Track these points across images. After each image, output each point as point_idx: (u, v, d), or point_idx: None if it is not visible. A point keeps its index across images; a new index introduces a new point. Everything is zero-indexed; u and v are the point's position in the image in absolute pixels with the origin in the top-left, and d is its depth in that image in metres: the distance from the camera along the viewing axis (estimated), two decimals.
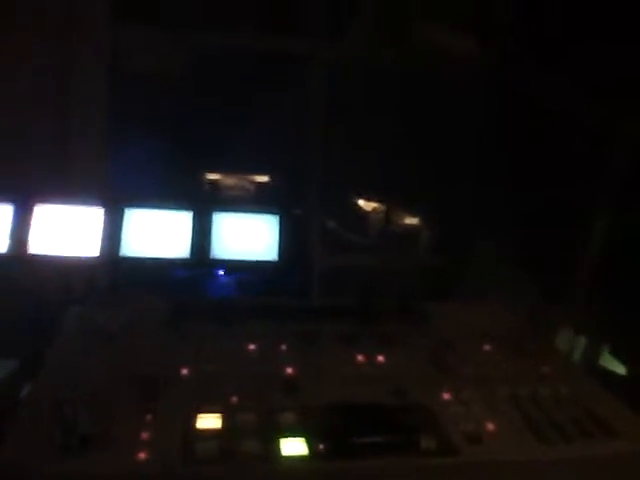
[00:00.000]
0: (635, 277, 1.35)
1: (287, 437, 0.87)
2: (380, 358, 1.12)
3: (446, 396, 1.03)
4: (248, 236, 1.50)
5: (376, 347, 1.15)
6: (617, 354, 1.47)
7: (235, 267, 1.48)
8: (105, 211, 1.43)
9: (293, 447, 0.85)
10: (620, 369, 1.46)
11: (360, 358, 1.11)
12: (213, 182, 1.72)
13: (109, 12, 1.54)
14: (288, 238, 1.53)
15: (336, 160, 1.79)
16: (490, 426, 0.96)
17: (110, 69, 1.60)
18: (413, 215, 1.86)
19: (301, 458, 0.84)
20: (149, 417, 0.88)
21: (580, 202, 1.52)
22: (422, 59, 1.70)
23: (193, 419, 0.88)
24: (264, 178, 1.74)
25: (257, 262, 1.49)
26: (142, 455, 0.80)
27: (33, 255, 1.38)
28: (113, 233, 1.42)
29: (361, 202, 1.87)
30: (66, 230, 1.41)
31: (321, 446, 0.86)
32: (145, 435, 0.84)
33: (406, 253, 1.84)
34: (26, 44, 1.51)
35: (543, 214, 1.58)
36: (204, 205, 1.48)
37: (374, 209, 1.86)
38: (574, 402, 1.04)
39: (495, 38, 1.73)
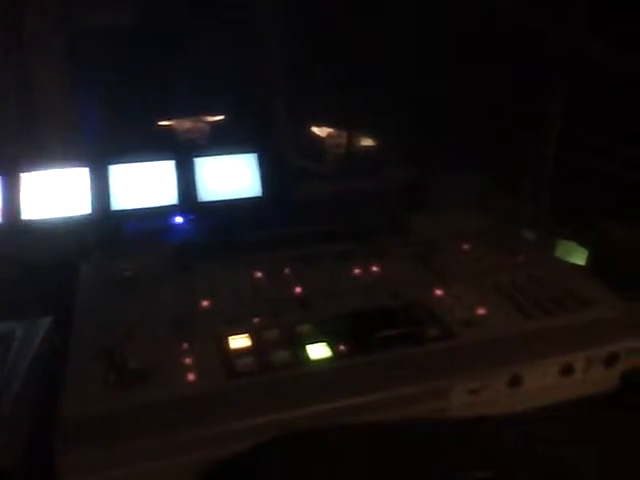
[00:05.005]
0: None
1: (311, 344, 0.98)
2: (375, 269, 1.24)
3: (438, 292, 1.16)
4: (230, 176, 1.58)
5: (369, 260, 1.26)
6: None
7: (222, 207, 1.56)
8: (90, 170, 1.47)
9: (318, 351, 0.97)
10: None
11: (357, 271, 1.23)
12: (168, 128, 1.76)
13: None
14: (268, 174, 1.61)
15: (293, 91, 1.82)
16: (481, 311, 1.10)
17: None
18: (371, 136, 1.93)
19: (327, 359, 0.96)
20: (186, 345, 0.98)
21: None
22: None
23: (225, 341, 0.99)
24: (218, 117, 1.79)
25: (242, 199, 1.58)
26: (191, 377, 0.91)
27: (27, 221, 1.43)
28: (101, 190, 1.47)
29: (316, 129, 1.93)
30: (54, 193, 1.45)
31: (342, 347, 0.98)
32: (188, 360, 0.94)
33: (373, 174, 1.92)
34: None
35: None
36: (184, 152, 1.54)
37: (329, 135, 1.92)
38: (549, 282, 1.19)
39: None
